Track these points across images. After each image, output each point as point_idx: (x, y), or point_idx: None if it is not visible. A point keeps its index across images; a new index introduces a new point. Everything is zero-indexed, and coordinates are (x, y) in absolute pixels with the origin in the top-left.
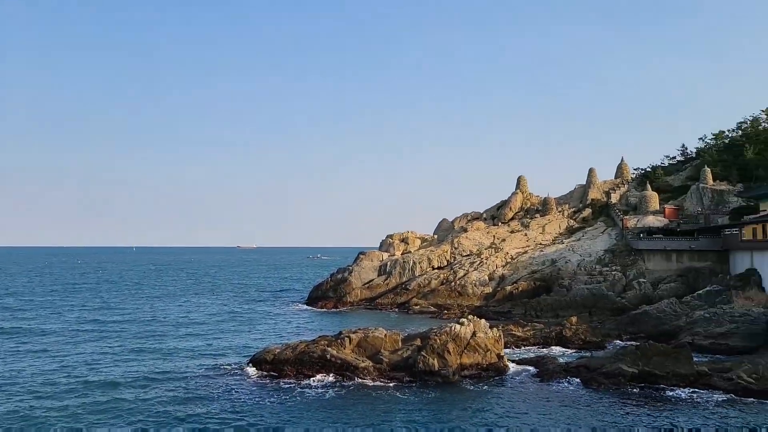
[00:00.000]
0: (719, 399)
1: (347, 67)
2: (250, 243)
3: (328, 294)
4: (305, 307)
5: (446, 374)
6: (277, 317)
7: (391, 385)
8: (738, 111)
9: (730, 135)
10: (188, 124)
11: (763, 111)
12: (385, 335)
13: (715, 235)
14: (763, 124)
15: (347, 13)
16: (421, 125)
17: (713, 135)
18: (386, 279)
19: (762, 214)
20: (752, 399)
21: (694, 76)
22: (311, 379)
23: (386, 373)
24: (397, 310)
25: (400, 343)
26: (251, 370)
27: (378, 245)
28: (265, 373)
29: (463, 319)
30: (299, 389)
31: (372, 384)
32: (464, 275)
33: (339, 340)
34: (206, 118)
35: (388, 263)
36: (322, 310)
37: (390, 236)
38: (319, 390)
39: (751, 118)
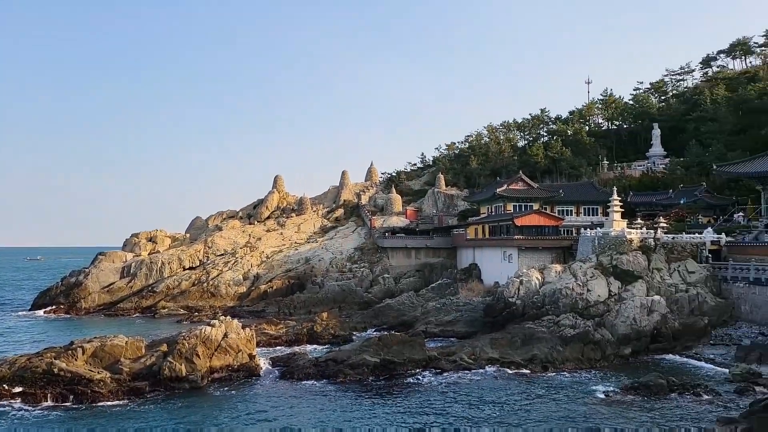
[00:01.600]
0: (451, 379)
1: (76, 62)
2: None
3: (58, 300)
4: (28, 315)
5: (195, 379)
6: None
7: (131, 396)
8: (467, 125)
9: (459, 146)
10: None
11: (485, 127)
12: (126, 342)
13: (446, 234)
14: (484, 139)
15: None
16: (174, 121)
17: (446, 146)
18: (130, 281)
19: (482, 216)
20: (476, 376)
21: (436, 89)
22: (35, 398)
23: (126, 384)
24: (141, 314)
25: (143, 350)
26: None
27: (121, 245)
28: None
29: (215, 321)
30: (17, 411)
31: (110, 397)
32: (218, 275)
33: (70, 351)
34: None
35: (133, 264)
36: (51, 317)
37: (135, 235)
38: (43, 410)
39: (475, 133)
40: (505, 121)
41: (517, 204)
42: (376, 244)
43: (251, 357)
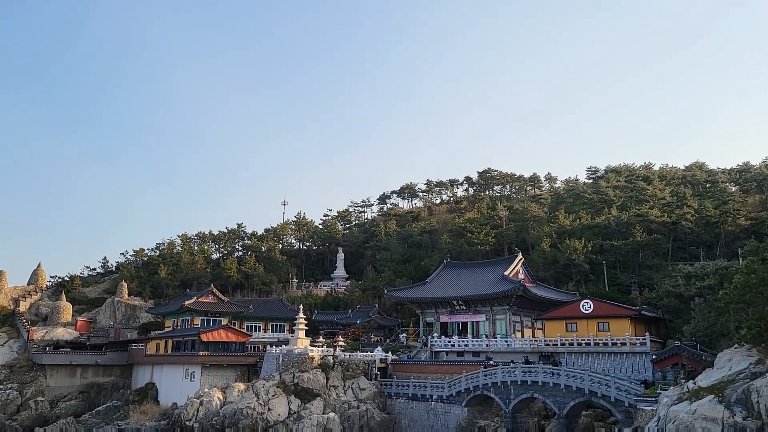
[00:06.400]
0: None
1: None
2: None
3: None
4: None
5: None
6: None
7: None
8: (160, 232)
9: (149, 253)
10: None
11: (179, 236)
12: None
13: (123, 349)
14: (177, 248)
15: None
16: None
17: (134, 251)
18: None
19: (167, 330)
20: None
21: (124, 188)
22: None
23: None
24: None
25: None
26: None
27: None
28: None
29: None
30: None
31: None
32: None
33: None
34: None
35: None
36: None
37: None
38: None
39: (168, 241)
40: (200, 232)
41: (206, 318)
42: (32, 360)
43: None
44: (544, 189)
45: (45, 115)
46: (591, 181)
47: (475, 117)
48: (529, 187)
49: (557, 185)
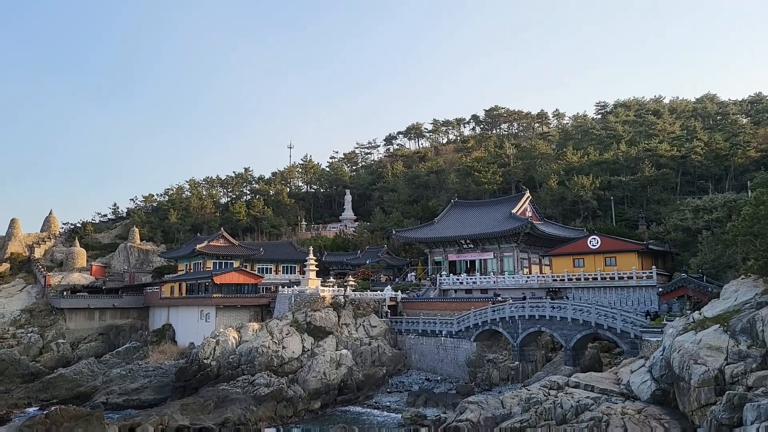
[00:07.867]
0: None
1: None
2: None
3: None
4: None
5: None
6: None
7: None
8: (168, 178)
9: (158, 199)
10: None
11: (187, 181)
12: None
13: (138, 292)
14: (186, 193)
15: None
16: None
17: (144, 197)
18: None
19: (180, 273)
20: None
21: (134, 135)
22: None
23: None
24: None
25: None
26: None
27: None
28: None
29: None
30: None
31: None
32: None
33: None
34: None
35: None
36: None
37: None
38: None
39: (177, 186)
40: (208, 177)
41: (218, 261)
42: (50, 304)
43: None
44: (551, 126)
45: (33, 52)
46: (600, 116)
47: (482, 55)
48: (536, 125)
49: (565, 122)
